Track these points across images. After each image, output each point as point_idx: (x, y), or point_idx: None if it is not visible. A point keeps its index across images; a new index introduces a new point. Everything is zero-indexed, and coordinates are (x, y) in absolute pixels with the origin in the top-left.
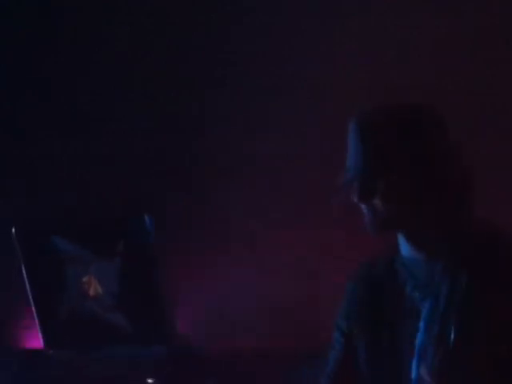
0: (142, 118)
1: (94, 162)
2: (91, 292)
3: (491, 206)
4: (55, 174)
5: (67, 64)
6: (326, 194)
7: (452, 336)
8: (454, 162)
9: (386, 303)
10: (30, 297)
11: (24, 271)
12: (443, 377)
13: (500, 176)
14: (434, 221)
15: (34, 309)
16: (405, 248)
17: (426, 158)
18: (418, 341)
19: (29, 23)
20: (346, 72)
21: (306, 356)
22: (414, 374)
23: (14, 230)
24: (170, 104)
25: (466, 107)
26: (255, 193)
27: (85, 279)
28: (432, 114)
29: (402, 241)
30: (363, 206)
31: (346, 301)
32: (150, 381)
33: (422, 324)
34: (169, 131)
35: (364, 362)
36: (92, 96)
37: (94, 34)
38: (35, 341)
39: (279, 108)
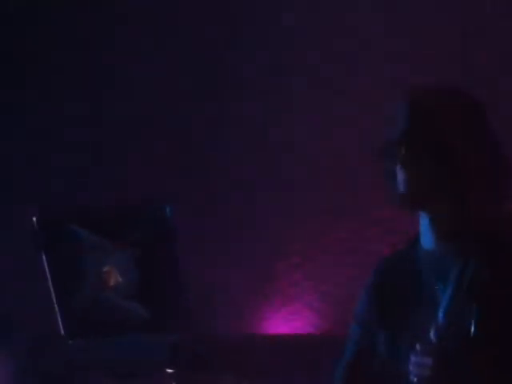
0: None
1: (114, 151)
2: (111, 282)
3: None
4: (75, 163)
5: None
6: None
7: (472, 325)
8: (493, 150)
9: (405, 293)
10: (50, 285)
11: (44, 260)
12: (459, 367)
13: None
14: (462, 208)
15: (53, 297)
16: (426, 237)
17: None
18: (434, 330)
19: None
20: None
21: (321, 343)
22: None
23: (35, 219)
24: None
25: None
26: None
27: (106, 269)
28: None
29: (423, 227)
30: (399, 175)
31: (366, 292)
32: (168, 370)
33: (440, 313)
34: (188, 120)
35: (382, 351)
36: (112, 83)
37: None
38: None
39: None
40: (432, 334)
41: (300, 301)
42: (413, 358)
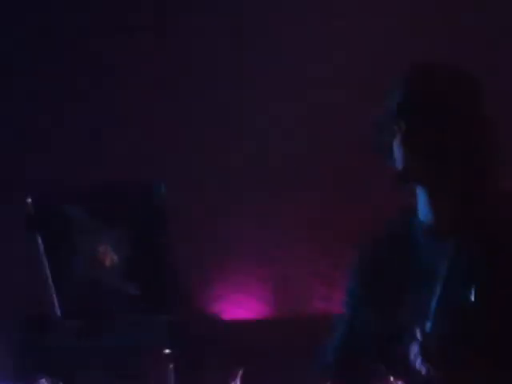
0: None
1: (105, 130)
2: (107, 262)
3: None
4: (66, 143)
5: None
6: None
7: (472, 297)
8: (489, 132)
9: (401, 265)
10: (46, 267)
11: (39, 239)
12: (456, 341)
13: None
14: (459, 184)
15: (49, 278)
16: (424, 210)
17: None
18: (432, 304)
19: None
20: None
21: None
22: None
23: (29, 200)
24: None
25: None
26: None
27: (100, 249)
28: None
29: (421, 202)
30: (396, 149)
31: (357, 264)
32: (166, 351)
33: (438, 286)
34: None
35: (376, 329)
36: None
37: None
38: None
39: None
40: (431, 310)
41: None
42: (415, 348)
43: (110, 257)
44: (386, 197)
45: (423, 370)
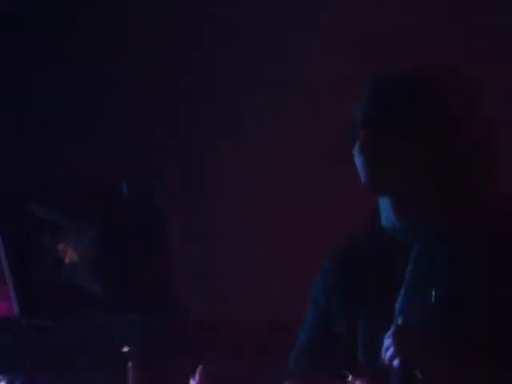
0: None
1: (75, 126)
2: (66, 259)
3: None
4: (34, 136)
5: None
6: None
7: (432, 298)
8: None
9: (366, 275)
10: (6, 265)
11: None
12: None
13: None
14: (432, 192)
15: (9, 276)
16: (386, 215)
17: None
18: (397, 306)
19: None
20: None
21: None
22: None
23: None
24: None
25: None
26: None
27: (60, 246)
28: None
29: (384, 208)
30: (357, 159)
31: (323, 273)
32: (125, 349)
33: (402, 291)
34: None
35: (343, 336)
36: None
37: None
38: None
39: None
40: (397, 310)
41: None
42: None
43: (69, 255)
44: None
45: (395, 363)
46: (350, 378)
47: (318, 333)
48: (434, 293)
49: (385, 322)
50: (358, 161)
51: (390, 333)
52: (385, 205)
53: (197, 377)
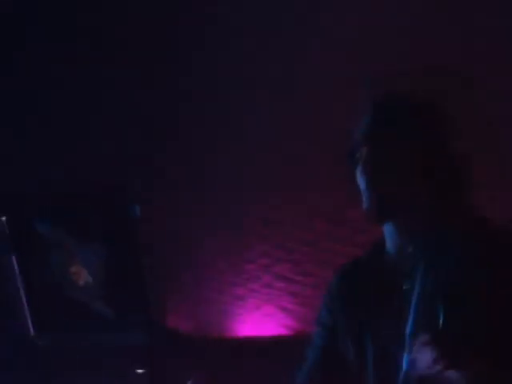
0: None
1: (82, 149)
2: (80, 281)
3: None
4: (43, 161)
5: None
6: None
7: (441, 317)
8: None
9: (373, 297)
10: (20, 284)
11: (13, 258)
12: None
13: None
14: (427, 208)
15: (23, 295)
16: (391, 241)
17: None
18: (407, 330)
19: None
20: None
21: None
22: (404, 366)
23: (4, 218)
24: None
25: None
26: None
27: (73, 269)
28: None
29: (388, 234)
30: (366, 186)
31: (329, 296)
32: (139, 371)
33: (411, 312)
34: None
35: (350, 356)
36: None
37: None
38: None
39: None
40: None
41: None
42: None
43: (83, 276)
44: None
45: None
46: None
47: (325, 352)
48: (441, 316)
49: (394, 344)
50: (361, 180)
51: (420, 343)
52: (388, 231)
53: None
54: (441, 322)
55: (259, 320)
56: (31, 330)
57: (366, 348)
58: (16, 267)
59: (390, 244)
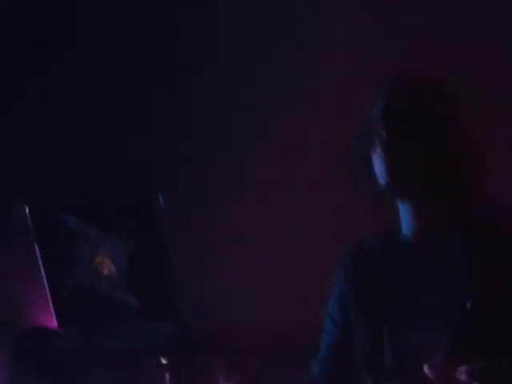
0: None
1: (107, 140)
2: (105, 271)
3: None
4: (67, 152)
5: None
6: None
7: (469, 303)
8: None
9: (386, 283)
10: (44, 275)
11: (37, 249)
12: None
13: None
14: (449, 195)
15: (47, 287)
16: (408, 223)
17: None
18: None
19: None
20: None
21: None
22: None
23: (27, 207)
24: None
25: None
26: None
27: (98, 259)
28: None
29: (405, 215)
30: (377, 161)
31: (337, 291)
32: (163, 361)
33: (437, 296)
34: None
35: (363, 346)
36: (103, 76)
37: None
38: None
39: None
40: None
41: None
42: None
43: (107, 266)
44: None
45: None
46: None
47: (338, 343)
48: (470, 299)
49: (411, 327)
50: (380, 162)
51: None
52: (405, 213)
53: None
54: (468, 305)
55: None
56: (55, 321)
57: (378, 337)
58: (39, 258)
59: (406, 226)
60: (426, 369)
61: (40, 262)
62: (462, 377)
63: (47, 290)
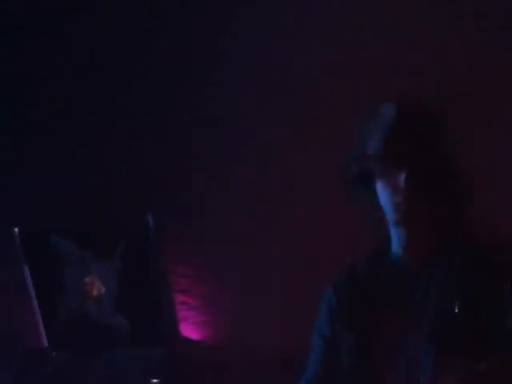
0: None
1: (95, 163)
2: (94, 292)
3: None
4: (57, 175)
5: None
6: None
7: (456, 308)
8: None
9: (373, 302)
10: (33, 297)
11: (27, 271)
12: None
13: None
14: (436, 220)
15: (37, 309)
16: (398, 244)
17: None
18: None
19: None
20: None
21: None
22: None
23: (16, 230)
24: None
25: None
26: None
27: (87, 280)
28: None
29: (398, 236)
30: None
31: (326, 305)
32: (154, 381)
33: (426, 323)
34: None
35: (349, 363)
36: (92, 96)
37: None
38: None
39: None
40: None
41: None
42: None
43: (97, 287)
44: None
45: None
46: None
47: (325, 361)
48: (456, 307)
49: (400, 341)
50: (384, 192)
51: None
52: (397, 233)
53: None
54: (456, 309)
55: None
56: (46, 343)
57: (364, 354)
58: (29, 280)
59: (396, 244)
60: None
61: (30, 287)
62: None
63: (37, 313)
